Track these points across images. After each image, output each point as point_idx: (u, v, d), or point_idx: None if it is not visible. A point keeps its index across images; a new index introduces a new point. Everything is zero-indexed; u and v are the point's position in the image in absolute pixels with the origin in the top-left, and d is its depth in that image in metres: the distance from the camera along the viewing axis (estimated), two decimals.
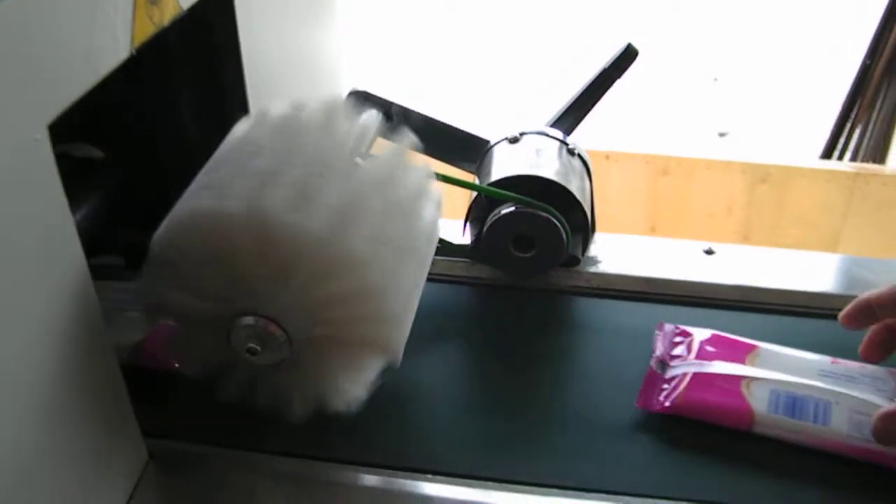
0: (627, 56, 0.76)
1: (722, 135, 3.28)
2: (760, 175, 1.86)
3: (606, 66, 0.76)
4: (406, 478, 0.56)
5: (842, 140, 2.62)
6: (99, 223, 0.64)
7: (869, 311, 0.60)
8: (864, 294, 0.61)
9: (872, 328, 0.62)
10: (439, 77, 3.48)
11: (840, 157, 2.62)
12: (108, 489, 0.52)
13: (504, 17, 3.98)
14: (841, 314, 0.62)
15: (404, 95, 0.77)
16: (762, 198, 1.88)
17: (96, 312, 0.48)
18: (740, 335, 0.64)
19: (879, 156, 2.57)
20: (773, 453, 0.57)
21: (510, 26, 3.90)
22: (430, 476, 0.56)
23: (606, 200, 1.86)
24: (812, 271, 0.74)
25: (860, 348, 0.62)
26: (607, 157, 1.85)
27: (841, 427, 0.56)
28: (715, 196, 1.89)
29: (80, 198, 0.63)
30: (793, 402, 0.58)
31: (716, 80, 3.63)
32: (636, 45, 0.76)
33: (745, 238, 1.91)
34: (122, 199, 0.67)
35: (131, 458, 0.55)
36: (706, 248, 0.76)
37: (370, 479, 0.56)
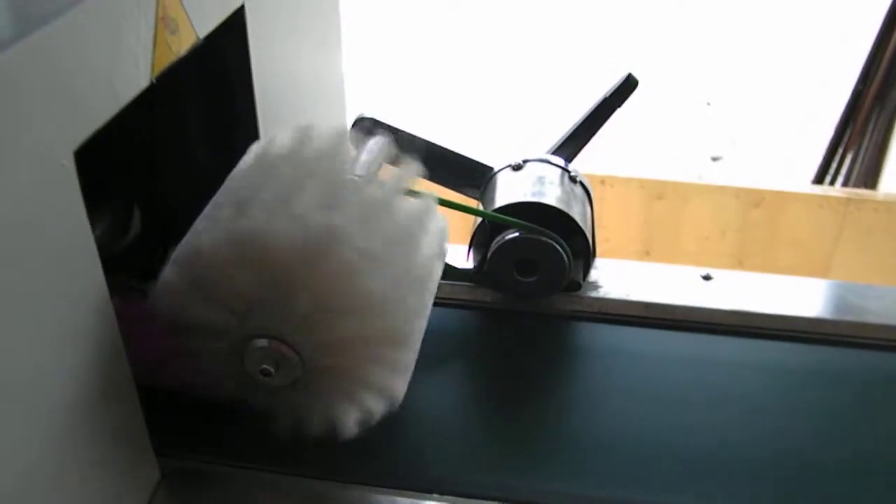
0: (628, 86, 0.77)
1: (715, 159, 3.31)
2: (754, 200, 1.88)
3: (607, 95, 0.78)
4: (412, 497, 0.58)
5: (834, 165, 2.65)
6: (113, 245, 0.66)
7: None
8: None
9: None
10: (444, 102, 3.51)
11: (832, 182, 2.64)
12: None
13: (505, 43, 4.02)
14: None
15: (410, 121, 0.79)
16: (756, 222, 1.90)
17: (114, 332, 0.49)
18: (736, 361, 0.65)
19: (871, 181, 2.60)
20: None
21: (511, 52, 3.93)
22: (435, 496, 0.58)
23: (602, 224, 1.88)
24: (808, 297, 0.76)
25: None
26: (602, 181, 1.86)
27: None
28: (709, 220, 1.91)
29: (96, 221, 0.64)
30: None
31: (709, 104, 3.66)
32: (636, 74, 0.78)
33: (739, 262, 1.93)
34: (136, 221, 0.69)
35: (143, 477, 0.55)
36: (704, 273, 0.77)
37: (379, 499, 0.58)
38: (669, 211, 1.90)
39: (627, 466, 0.60)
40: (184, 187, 0.68)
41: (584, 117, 0.79)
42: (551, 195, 0.71)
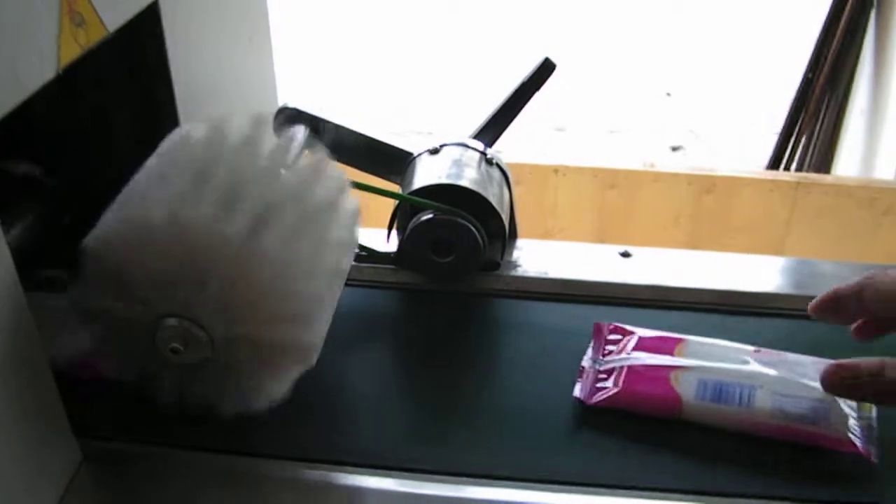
0: (545, 70, 0.80)
1: (675, 149, 3.35)
2: (706, 186, 1.91)
3: (524, 80, 0.80)
4: (338, 471, 0.59)
5: (787, 151, 2.69)
6: (31, 238, 0.67)
7: (838, 302, 0.59)
8: (835, 286, 0.59)
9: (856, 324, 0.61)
10: (371, 94, 3.53)
11: (787, 168, 2.68)
12: (40, 491, 0.54)
13: (444, 33, 4.05)
14: (810, 305, 0.60)
15: (336, 112, 0.81)
16: (708, 208, 1.92)
17: (27, 318, 0.50)
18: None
19: (825, 166, 2.64)
20: (701, 438, 0.60)
21: (451, 42, 3.95)
22: (361, 469, 0.59)
23: (556, 214, 1.90)
24: (720, 271, 0.78)
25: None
26: (555, 171, 1.88)
27: (765, 407, 0.60)
28: (662, 207, 1.93)
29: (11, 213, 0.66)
30: (718, 388, 0.61)
31: (668, 94, 3.70)
32: (553, 58, 0.80)
33: (693, 247, 1.96)
34: (54, 213, 0.70)
35: (64, 460, 0.57)
36: (622, 251, 0.80)
37: (303, 473, 0.59)
38: (623, 199, 1.93)
39: (550, 434, 0.62)
40: (103, 179, 0.69)
41: (502, 103, 0.81)
42: (467, 178, 0.74)
